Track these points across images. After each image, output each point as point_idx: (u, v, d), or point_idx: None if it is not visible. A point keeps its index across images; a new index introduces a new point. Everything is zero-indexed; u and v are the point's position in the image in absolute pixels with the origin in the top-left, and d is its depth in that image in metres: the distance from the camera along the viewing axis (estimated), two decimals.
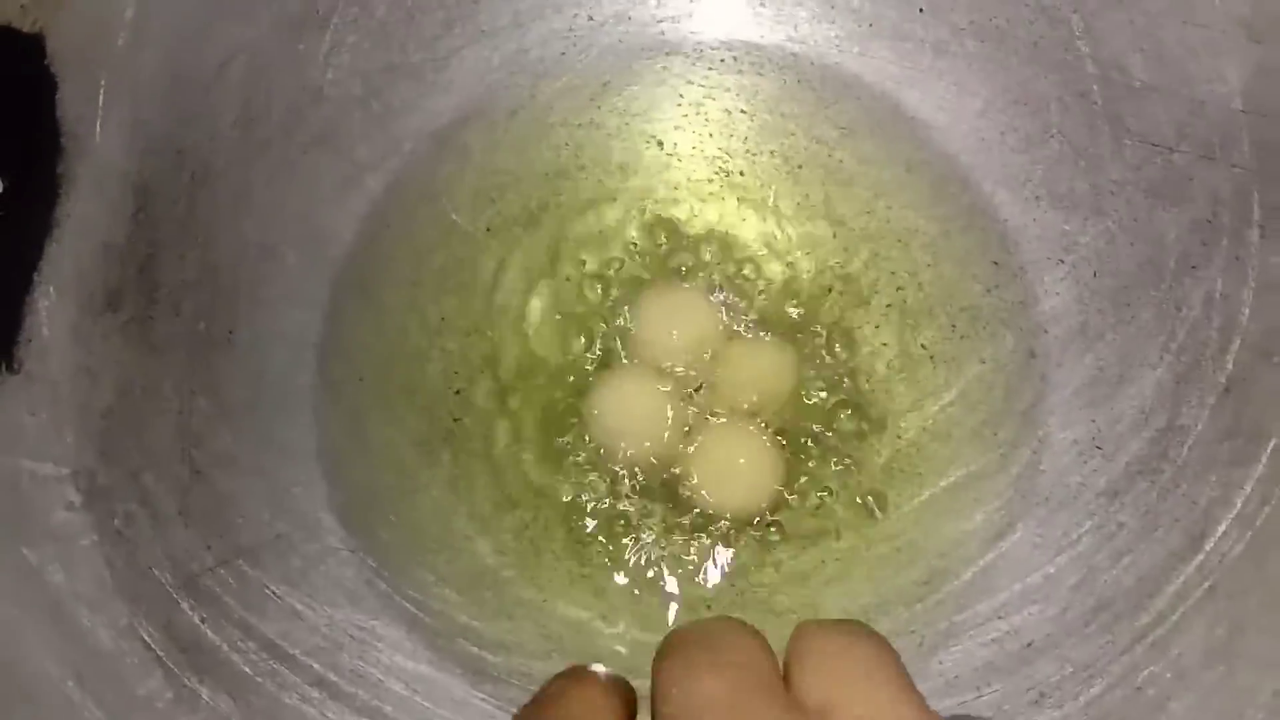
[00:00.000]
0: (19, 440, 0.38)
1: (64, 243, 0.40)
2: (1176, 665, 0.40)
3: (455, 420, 0.46)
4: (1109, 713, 0.40)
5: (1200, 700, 0.39)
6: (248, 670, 0.41)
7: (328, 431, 0.46)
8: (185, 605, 0.40)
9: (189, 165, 0.44)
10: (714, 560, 0.45)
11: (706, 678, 0.26)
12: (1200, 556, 0.41)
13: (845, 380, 0.47)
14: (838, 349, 0.47)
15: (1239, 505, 0.41)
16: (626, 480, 0.45)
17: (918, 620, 0.44)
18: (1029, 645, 0.43)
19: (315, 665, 0.42)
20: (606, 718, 0.27)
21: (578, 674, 0.28)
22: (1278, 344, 0.41)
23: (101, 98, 0.41)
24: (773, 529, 0.45)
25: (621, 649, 0.44)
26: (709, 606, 0.45)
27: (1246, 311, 0.42)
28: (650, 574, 0.45)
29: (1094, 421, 0.45)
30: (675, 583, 0.45)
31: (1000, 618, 0.44)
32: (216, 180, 0.44)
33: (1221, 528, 0.41)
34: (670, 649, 0.27)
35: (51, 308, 0.40)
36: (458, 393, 0.47)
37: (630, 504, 0.45)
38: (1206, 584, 0.41)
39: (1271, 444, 0.41)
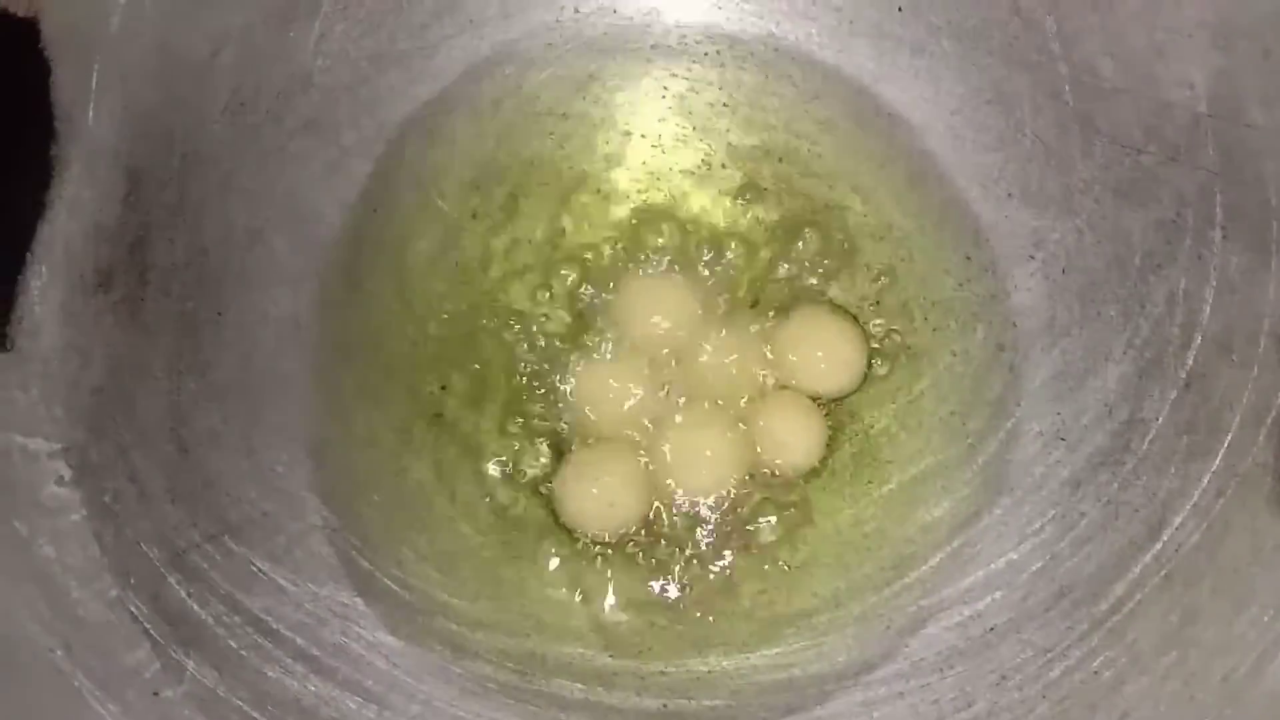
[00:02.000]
0: (11, 416, 0.39)
1: (56, 224, 0.41)
2: (1132, 650, 0.41)
3: (439, 403, 0.47)
4: (1067, 695, 0.42)
5: (1154, 684, 0.40)
6: (233, 644, 0.42)
7: (313, 413, 0.47)
8: (172, 580, 0.41)
9: (179, 149, 0.44)
10: (686, 543, 0.46)
11: None
12: (1158, 546, 0.42)
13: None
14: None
15: (1195, 497, 0.42)
16: None
17: (886, 605, 0.46)
18: (992, 629, 0.44)
19: (298, 640, 0.43)
20: None
21: None
22: (1236, 341, 0.42)
23: (94, 82, 0.41)
24: (744, 513, 0.46)
25: (600, 628, 0.46)
26: (682, 588, 0.46)
27: (1207, 310, 0.43)
28: (627, 552, 0.46)
29: (1059, 414, 0.46)
30: (650, 563, 0.46)
31: (965, 603, 0.45)
32: (206, 164, 0.45)
33: (1179, 519, 0.42)
34: None
35: (44, 287, 0.40)
36: (441, 382, 0.48)
37: None
38: (1163, 572, 0.42)
39: (1228, 438, 0.42)
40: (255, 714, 0.41)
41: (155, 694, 0.39)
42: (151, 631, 0.40)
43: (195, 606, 0.41)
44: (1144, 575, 0.42)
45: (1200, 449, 0.42)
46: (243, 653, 0.42)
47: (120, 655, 0.39)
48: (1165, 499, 0.43)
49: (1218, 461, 0.42)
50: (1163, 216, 0.45)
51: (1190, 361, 0.44)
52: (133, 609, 0.40)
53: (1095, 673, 0.42)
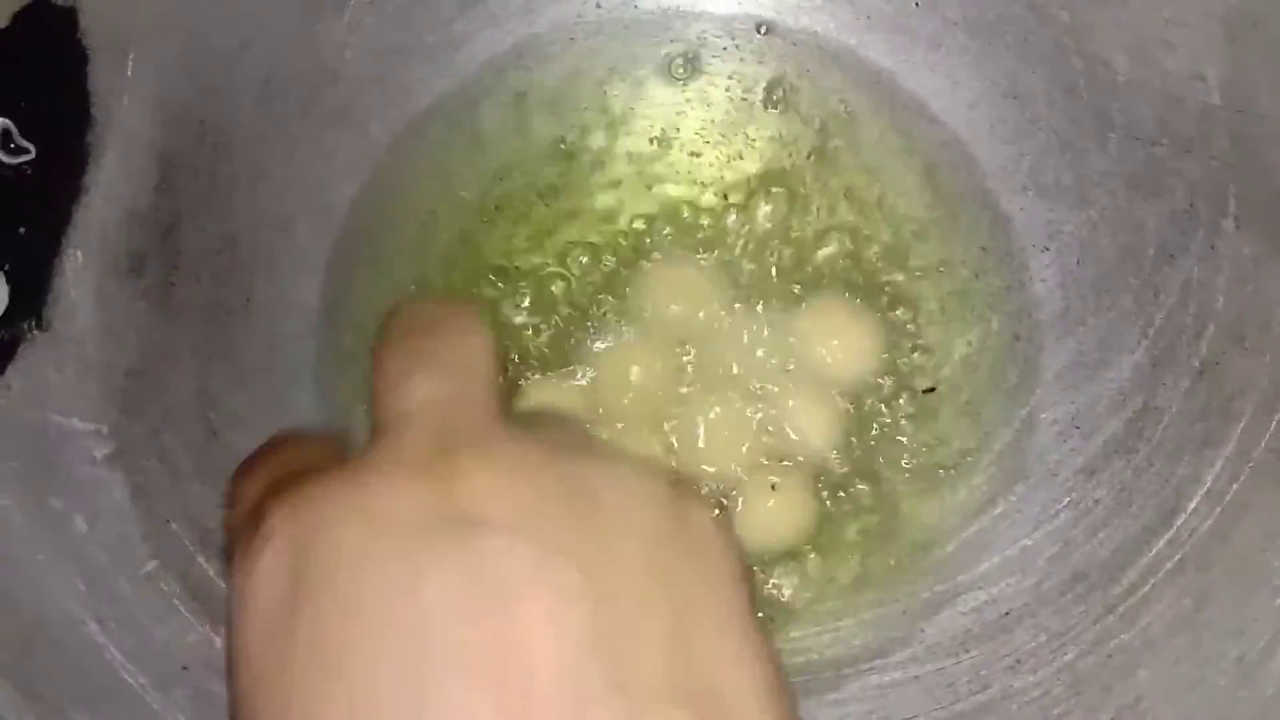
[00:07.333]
0: (48, 394, 0.40)
1: (91, 209, 0.42)
2: (1145, 634, 0.42)
3: None
4: (1081, 678, 0.42)
5: (1167, 666, 0.41)
6: None
7: (337, 398, 0.48)
8: (201, 558, 0.42)
9: (210, 138, 0.45)
10: None
11: (421, 381, 0.26)
12: (1171, 531, 0.43)
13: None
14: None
15: (1209, 483, 0.43)
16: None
17: (901, 590, 0.46)
18: (1007, 614, 0.45)
19: None
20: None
21: None
22: (1248, 329, 0.43)
23: (130, 71, 0.42)
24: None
25: None
26: None
27: (1220, 299, 0.44)
28: None
29: (1074, 403, 0.47)
30: None
31: (980, 588, 0.46)
32: (236, 153, 0.46)
33: (1192, 504, 0.43)
34: (392, 335, 0.28)
35: (78, 270, 0.41)
36: None
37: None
38: (1176, 557, 0.43)
39: (1241, 425, 0.43)
40: None
41: (184, 668, 0.40)
42: (181, 608, 0.41)
43: (223, 584, 0.42)
44: (1157, 560, 0.43)
45: (1214, 436, 0.43)
46: None
47: (152, 630, 0.40)
48: (1179, 485, 0.43)
49: (1231, 448, 0.42)
50: (1176, 207, 0.45)
51: (1203, 350, 0.44)
52: (164, 585, 0.41)
53: (1109, 656, 0.42)
